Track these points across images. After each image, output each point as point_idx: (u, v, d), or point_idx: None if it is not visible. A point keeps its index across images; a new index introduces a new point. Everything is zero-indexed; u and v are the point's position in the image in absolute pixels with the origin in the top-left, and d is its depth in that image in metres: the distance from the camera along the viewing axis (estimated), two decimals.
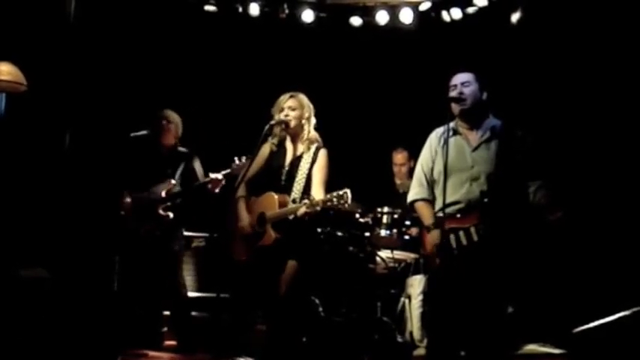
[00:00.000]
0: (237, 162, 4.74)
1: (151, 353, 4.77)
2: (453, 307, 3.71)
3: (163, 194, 4.90)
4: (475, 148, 3.86)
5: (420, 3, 5.97)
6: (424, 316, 4.84)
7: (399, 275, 5.18)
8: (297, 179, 4.12)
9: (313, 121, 4.23)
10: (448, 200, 3.69)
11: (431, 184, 3.95)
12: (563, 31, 5.27)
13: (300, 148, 4.20)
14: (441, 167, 3.78)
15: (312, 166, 4.13)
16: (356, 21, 6.13)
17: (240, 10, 6.11)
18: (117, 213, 4.96)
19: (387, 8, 6.04)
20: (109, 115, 5.60)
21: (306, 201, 3.91)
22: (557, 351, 4.56)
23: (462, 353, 3.75)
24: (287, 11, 6.10)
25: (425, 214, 3.92)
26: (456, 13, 5.94)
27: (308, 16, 6.09)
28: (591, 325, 3.50)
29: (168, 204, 4.91)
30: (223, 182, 4.81)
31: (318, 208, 3.87)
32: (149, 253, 4.89)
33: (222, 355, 4.25)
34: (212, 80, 6.29)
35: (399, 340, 4.70)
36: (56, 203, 5.16)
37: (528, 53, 5.51)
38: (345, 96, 6.18)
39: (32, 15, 5.26)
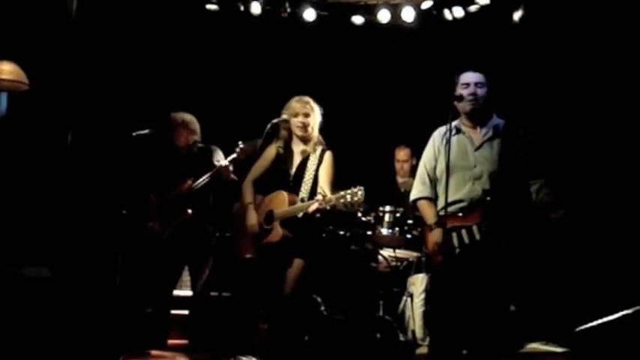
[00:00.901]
0: (241, 146, 4.74)
1: (154, 352, 4.77)
2: (455, 305, 3.71)
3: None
4: (478, 147, 3.86)
5: (421, 1, 5.97)
6: (426, 315, 4.83)
7: (401, 274, 5.18)
8: (304, 180, 4.18)
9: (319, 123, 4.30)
10: (450, 199, 3.69)
11: (433, 182, 3.96)
12: (565, 30, 5.26)
13: (307, 150, 4.26)
14: (443, 166, 3.77)
15: (318, 168, 4.20)
16: (358, 19, 6.13)
17: (242, 8, 6.11)
18: (119, 212, 4.97)
19: (389, 7, 6.04)
20: (110, 114, 5.61)
21: (319, 197, 3.94)
22: (559, 349, 4.55)
23: (464, 352, 3.75)
24: (289, 10, 6.11)
25: (427, 212, 3.93)
26: (458, 12, 5.94)
27: (310, 14, 6.09)
28: (593, 323, 3.50)
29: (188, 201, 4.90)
30: (231, 168, 4.79)
31: (328, 207, 3.90)
32: (169, 254, 4.90)
33: (225, 353, 4.25)
34: (214, 79, 6.28)
35: (401, 338, 4.70)
36: (58, 202, 5.17)
37: (530, 51, 5.50)
38: (346, 95, 6.17)
39: (34, 14, 5.26)
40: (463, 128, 3.92)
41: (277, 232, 4.07)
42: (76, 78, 5.38)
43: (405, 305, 5.02)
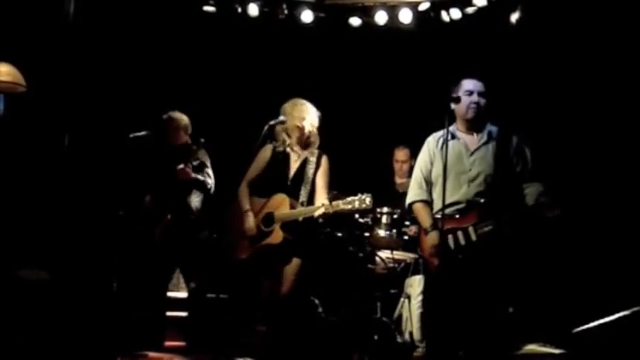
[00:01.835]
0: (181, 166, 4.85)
1: (151, 354, 4.76)
2: (452, 307, 3.71)
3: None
4: (473, 152, 3.90)
5: (419, 3, 5.97)
6: (424, 317, 4.83)
7: (398, 275, 5.17)
8: (303, 183, 4.18)
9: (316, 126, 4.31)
10: (447, 201, 3.70)
11: (429, 186, 3.98)
12: (563, 32, 5.27)
13: (305, 153, 4.27)
14: (439, 170, 3.83)
15: (316, 171, 4.21)
16: (355, 21, 6.12)
17: (239, 10, 6.10)
18: (116, 214, 4.96)
19: (386, 8, 6.03)
20: (107, 115, 5.60)
21: (325, 202, 3.95)
22: (556, 351, 4.55)
23: (461, 353, 3.75)
24: (286, 11, 6.10)
25: (423, 215, 3.94)
26: (455, 13, 5.93)
27: (307, 16, 6.08)
28: (591, 324, 3.50)
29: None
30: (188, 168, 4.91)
31: (332, 212, 3.93)
32: (161, 254, 4.93)
33: (222, 355, 4.25)
34: (211, 81, 6.29)
35: (399, 340, 4.70)
36: (56, 204, 5.16)
37: (527, 53, 5.51)
38: (344, 96, 6.17)
39: (31, 15, 5.26)
40: (458, 134, 3.97)
41: (278, 234, 4.06)
42: (73, 80, 5.38)
43: (402, 307, 5.02)
